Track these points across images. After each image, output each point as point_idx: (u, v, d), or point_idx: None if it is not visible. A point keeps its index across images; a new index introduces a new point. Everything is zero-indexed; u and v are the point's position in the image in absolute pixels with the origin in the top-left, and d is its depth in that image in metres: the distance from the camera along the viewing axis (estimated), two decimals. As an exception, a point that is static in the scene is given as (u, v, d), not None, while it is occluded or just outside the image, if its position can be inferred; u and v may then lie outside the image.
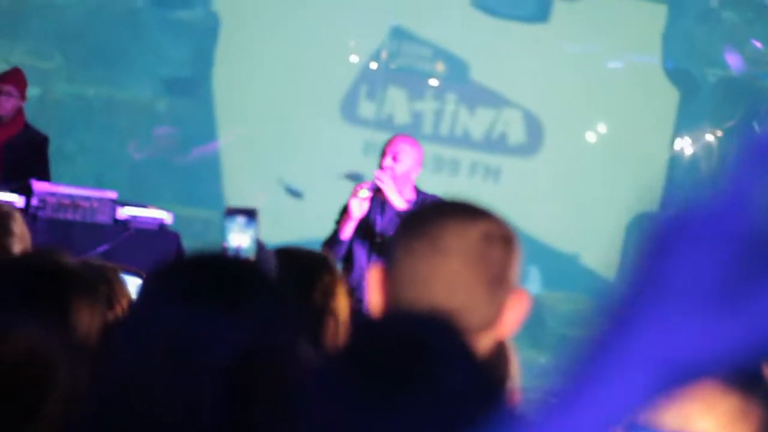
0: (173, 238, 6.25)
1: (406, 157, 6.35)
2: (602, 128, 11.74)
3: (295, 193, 11.28)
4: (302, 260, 3.39)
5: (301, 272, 3.30)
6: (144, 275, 1.61)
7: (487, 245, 1.90)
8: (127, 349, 1.60)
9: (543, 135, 11.65)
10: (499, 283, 1.91)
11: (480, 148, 11.65)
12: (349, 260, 6.77)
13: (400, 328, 1.35)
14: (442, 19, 11.52)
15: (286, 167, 11.41)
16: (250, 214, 2.57)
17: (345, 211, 6.60)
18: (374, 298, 1.94)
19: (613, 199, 11.37)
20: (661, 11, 11.68)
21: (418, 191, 6.49)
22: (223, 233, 2.56)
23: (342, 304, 3.32)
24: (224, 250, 2.53)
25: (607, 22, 11.58)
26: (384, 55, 11.56)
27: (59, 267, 2.28)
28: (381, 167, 6.40)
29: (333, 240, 6.70)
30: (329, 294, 3.30)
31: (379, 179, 6.32)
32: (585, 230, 11.53)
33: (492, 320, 1.92)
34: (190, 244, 8.19)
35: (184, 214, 8.85)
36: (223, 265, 1.68)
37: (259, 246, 2.58)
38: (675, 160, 11.75)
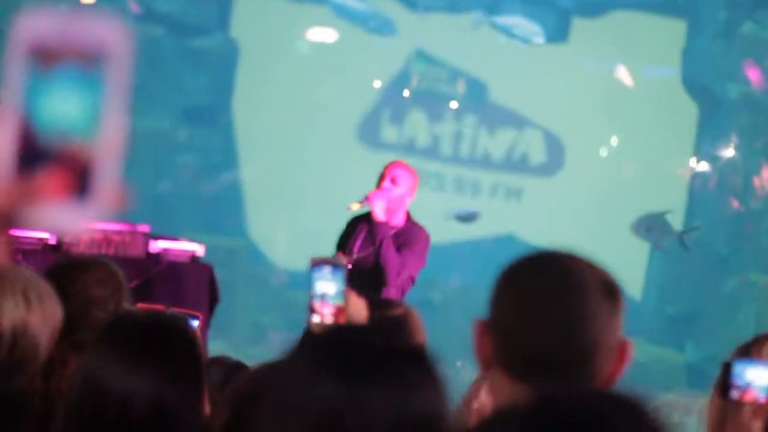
0: (206, 270, 6.23)
1: (403, 181, 6.44)
2: (623, 145, 11.70)
3: (468, 218, 11.13)
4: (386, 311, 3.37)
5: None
6: (289, 356, 1.60)
7: (602, 297, 1.89)
8: (277, 427, 1.56)
9: (564, 154, 11.63)
10: (612, 333, 1.88)
11: (501, 168, 11.63)
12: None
13: (584, 403, 1.29)
14: (462, 42, 11.51)
15: (307, 193, 11.39)
16: (337, 264, 2.57)
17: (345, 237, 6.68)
18: (480, 354, 1.89)
19: (636, 216, 11.33)
20: (680, 27, 11.65)
21: (409, 218, 6.53)
22: (309, 284, 2.56)
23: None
24: (310, 299, 2.54)
25: (625, 40, 11.56)
26: (404, 78, 11.56)
27: (171, 324, 2.32)
28: (378, 188, 6.47)
29: None
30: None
31: (372, 195, 6.39)
32: (607, 248, 11.48)
33: (607, 372, 1.88)
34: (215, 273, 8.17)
35: (207, 242, 8.87)
36: (367, 336, 1.62)
37: (346, 295, 2.55)
38: (697, 175, 11.71)
